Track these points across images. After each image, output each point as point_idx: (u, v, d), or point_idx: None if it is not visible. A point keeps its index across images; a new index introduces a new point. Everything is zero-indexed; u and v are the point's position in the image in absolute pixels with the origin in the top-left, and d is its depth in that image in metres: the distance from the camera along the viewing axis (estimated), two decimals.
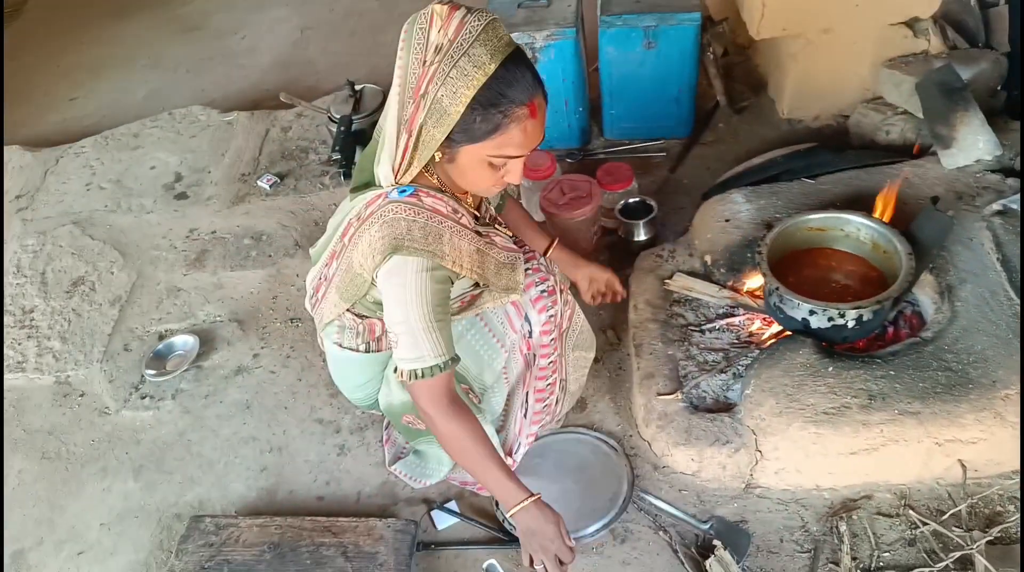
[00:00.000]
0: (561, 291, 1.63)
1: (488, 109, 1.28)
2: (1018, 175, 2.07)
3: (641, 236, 2.29)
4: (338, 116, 2.60)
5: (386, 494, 1.84)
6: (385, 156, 1.38)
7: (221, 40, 3.81)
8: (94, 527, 1.88)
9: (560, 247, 1.83)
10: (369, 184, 1.44)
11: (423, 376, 1.39)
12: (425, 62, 1.27)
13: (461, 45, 1.25)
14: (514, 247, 1.57)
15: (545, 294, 1.59)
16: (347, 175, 2.59)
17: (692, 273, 2.06)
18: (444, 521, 1.76)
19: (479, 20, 1.27)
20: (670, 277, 2.06)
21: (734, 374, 1.84)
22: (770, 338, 1.90)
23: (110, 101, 3.45)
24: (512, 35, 2.31)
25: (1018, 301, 1.74)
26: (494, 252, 1.50)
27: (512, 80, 1.28)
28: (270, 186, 2.71)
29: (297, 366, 2.16)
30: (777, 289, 1.77)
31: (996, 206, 1.94)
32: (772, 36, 2.37)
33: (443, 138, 1.31)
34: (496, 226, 1.57)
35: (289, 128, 2.98)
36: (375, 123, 2.54)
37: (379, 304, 1.48)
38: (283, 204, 2.66)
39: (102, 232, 2.67)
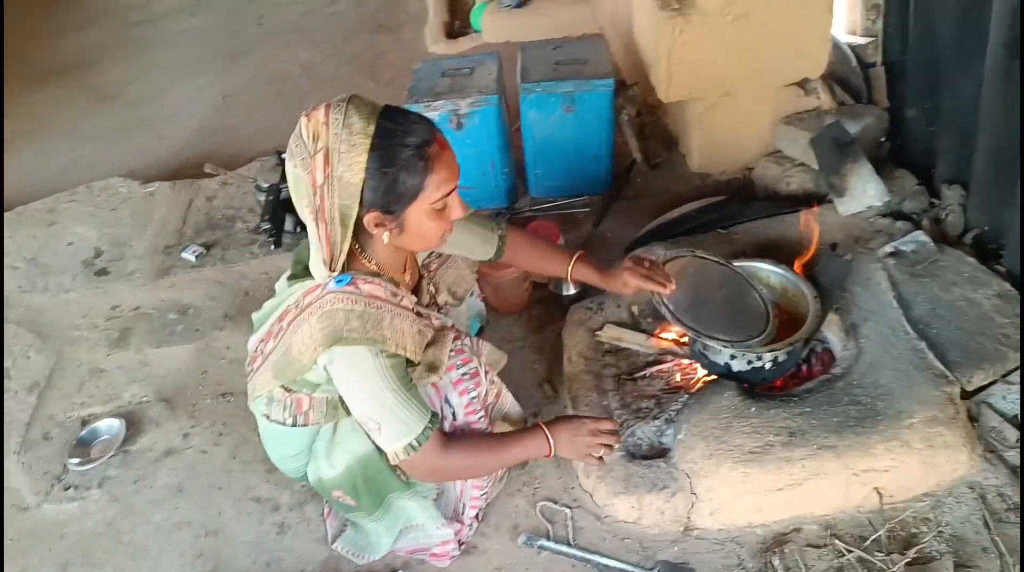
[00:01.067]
0: (486, 372, 1.67)
1: (407, 165, 1.36)
2: (906, 219, 2.26)
3: (570, 290, 2.37)
4: (266, 185, 2.61)
5: (330, 571, 1.81)
6: (314, 254, 1.43)
7: (139, 109, 3.78)
8: None
9: (582, 260, 1.87)
10: (307, 272, 1.48)
11: (419, 444, 1.45)
12: (311, 155, 1.35)
13: (336, 123, 1.34)
14: (447, 325, 1.62)
15: (467, 376, 1.60)
16: (277, 243, 2.60)
17: (621, 324, 2.15)
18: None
19: (340, 100, 1.37)
20: (600, 329, 2.14)
21: (666, 420, 1.92)
22: (697, 383, 2.00)
23: (23, 176, 3.36)
24: (437, 103, 2.46)
25: (915, 336, 1.89)
26: (429, 332, 1.54)
27: (404, 130, 1.38)
28: (196, 257, 2.68)
29: (230, 443, 2.12)
30: (700, 338, 1.87)
31: (888, 248, 2.10)
32: (679, 99, 2.54)
33: (357, 207, 1.37)
34: (434, 308, 1.64)
35: (214, 197, 2.97)
36: None
37: (310, 383, 1.53)
38: (210, 275, 2.63)
39: (17, 314, 2.58)
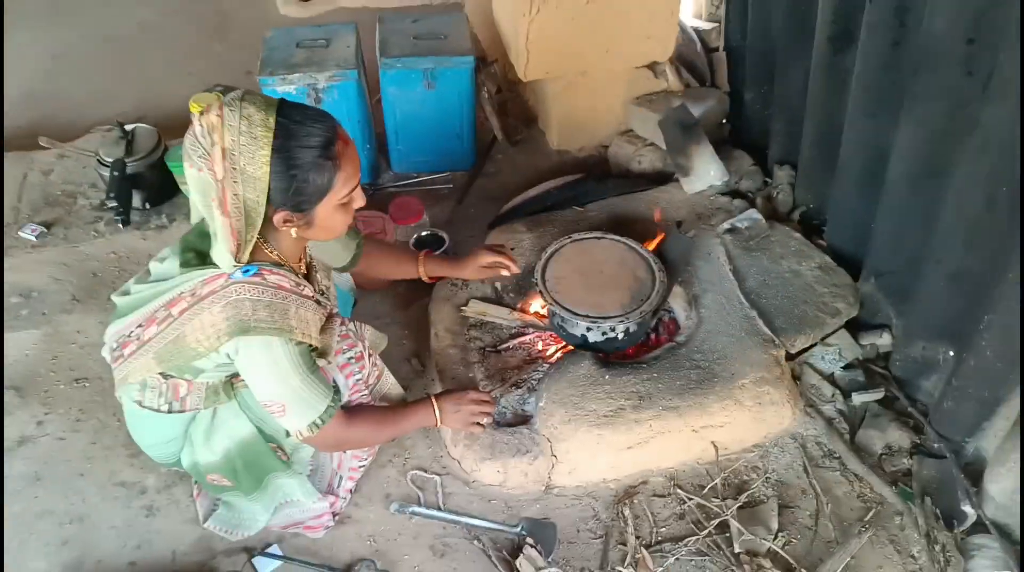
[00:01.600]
0: (369, 355, 1.74)
1: (315, 166, 1.39)
2: (743, 197, 2.48)
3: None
4: (110, 160, 2.47)
5: (203, 549, 1.82)
6: (220, 245, 1.42)
7: None
8: None
9: (429, 259, 2.04)
10: (201, 259, 1.49)
11: (323, 422, 1.53)
12: (208, 150, 1.34)
13: (232, 115, 1.33)
14: (334, 312, 1.66)
15: (352, 360, 1.68)
16: (125, 222, 2.48)
17: (485, 298, 2.24)
18: (267, 566, 1.78)
19: (234, 96, 1.36)
20: (466, 304, 2.22)
21: (528, 389, 2.05)
22: (556, 353, 2.13)
23: None
24: (293, 75, 2.41)
25: (748, 305, 2.10)
26: (332, 322, 1.60)
27: (307, 129, 1.38)
28: (36, 236, 2.51)
29: (90, 429, 2.05)
30: (558, 310, 2.00)
31: (726, 225, 2.31)
32: (537, 78, 2.63)
33: (264, 203, 1.38)
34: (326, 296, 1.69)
35: (50, 171, 2.77)
36: (152, 165, 2.51)
37: (193, 369, 1.53)
38: (53, 256, 2.47)
39: None
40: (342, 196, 1.46)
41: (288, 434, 1.60)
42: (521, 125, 2.89)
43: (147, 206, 2.57)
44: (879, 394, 2.06)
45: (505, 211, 2.52)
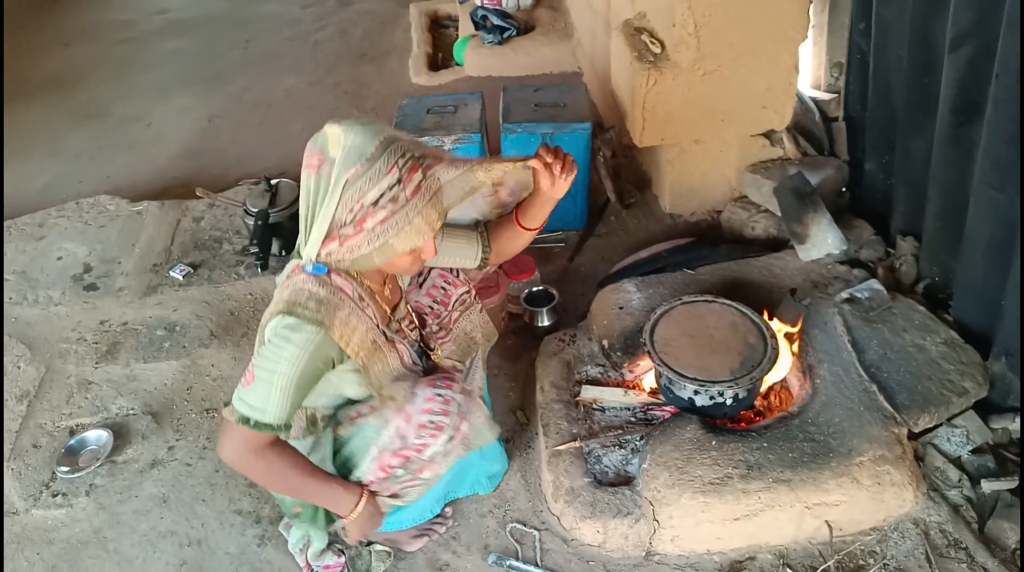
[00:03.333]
0: (451, 438, 1.63)
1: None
2: (863, 267, 2.41)
3: (545, 322, 2.49)
4: (255, 210, 2.70)
5: None
6: (312, 242, 1.45)
7: (125, 128, 3.84)
8: None
9: (518, 211, 1.81)
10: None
11: (252, 427, 1.44)
12: (377, 202, 1.38)
13: (417, 206, 1.41)
14: (416, 368, 1.69)
15: (430, 426, 1.60)
16: (264, 266, 2.68)
17: (595, 382, 2.21)
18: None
19: (431, 186, 1.43)
20: (577, 394, 2.17)
21: (632, 450, 2.04)
22: (662, 412, 2.12)
23: (7, 189, 3.38)
24: (422, 139, 2.56)
25: (867, 378, 2.02)
26: (392, 358, 1.60)
27: None
28: (183, 276, 2.76)
29: (214, 457, 2.19)
30: (665, 372, 1.99)
31: (844, 294, 2.24)
32: (652, 144, 2.68)
33: (382, 264, 1.46)
34: (406, 341, 1.68)
35: (201, 218, 3.05)
36: (292, 216, 2.71)
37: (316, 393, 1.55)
38: (197, 294, 2.71)
39: (7, 325, 2.63)
40: (413, 248, 1.48)
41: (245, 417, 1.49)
42: (634, 189, 2.94)
43: (283, 253, 2.77)
44: (1012, 483, 1.91)
45: (615, 270, 2.55)
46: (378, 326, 1.58)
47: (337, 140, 1.40)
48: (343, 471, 1.69)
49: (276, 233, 2.72)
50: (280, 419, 1.45)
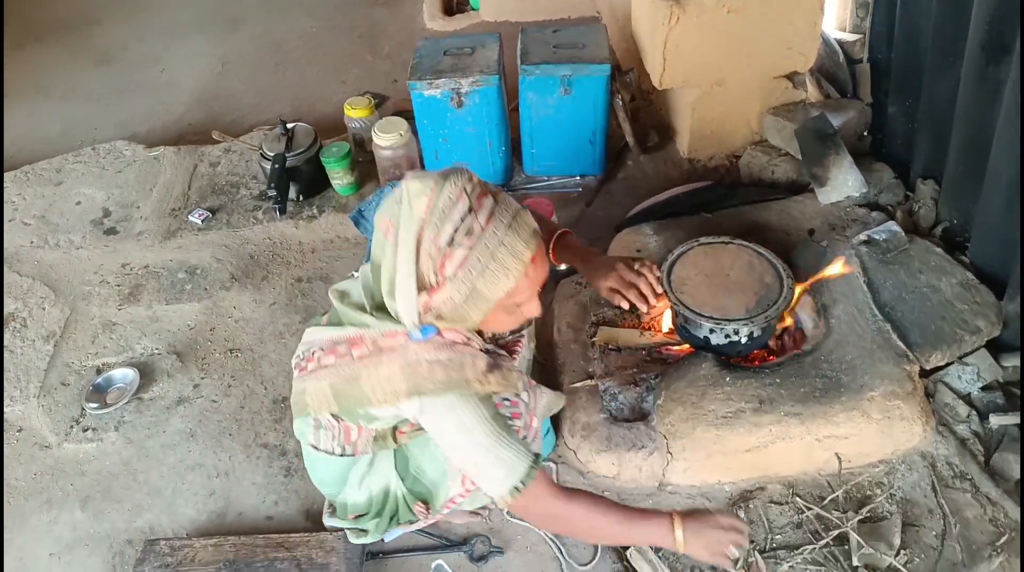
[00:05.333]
0: (525, 437, 1.61)
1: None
2: (882, 210, 2.40)
3: (561, 266, 2.50)
4: (271, 154, 2.70)
5: None
6: (403, 301, 1.35)
7: (139, 72, 3.83)
8: (43, 558, 1.92)
9: (562, 242, 1.80)
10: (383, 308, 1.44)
11: (524, 485, 1.40)
12: (452, 241, 1.28)
13: (496, 234, 1.29)
14: (513, 367, 1.59)
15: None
16: (282, 210, 2.70)
17: (611, 323, 2.22)
18: (391, 533, 1.89)
19: (507, 210, 1.32)
20: (593, 335, 2.19)
21: (647, 387, 2.07)
22: (677, 353, 2.14)
23: (23, 133, 3.42)
24: (439, 80, 2.56)
25: (881, 317, 2.04)
26: (505, 362, 1.53)
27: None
28: (202, 221, 2.78)
29: (239, 395, 2.25)
30: (682, 310, 2.01)
31: (862, 236, 2.24)
32: (672, 87, 2.66)
33: (481, 318, 1.36)
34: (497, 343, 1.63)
35: (218, 163, 3.06)
36: (308, 160, 2.72)
37: (369, 416, 1.50)
38: (216, 238, 2.74)
39: (30, 268, 2.68)
40: (504, 304, 1.37)
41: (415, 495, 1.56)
42: (653, 133, 2.92)
43: (301, 198, 2.78)
44: (1019, 418, 1.94)
45: (633, 214, 2.56)
46: (484, 350, 1.49)
47: (400, 198, 1.32)
48: (417, 486, 1.68)
49: (293, 177, 2.73)
50: (527, 456, 1.42)
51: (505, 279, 1.31)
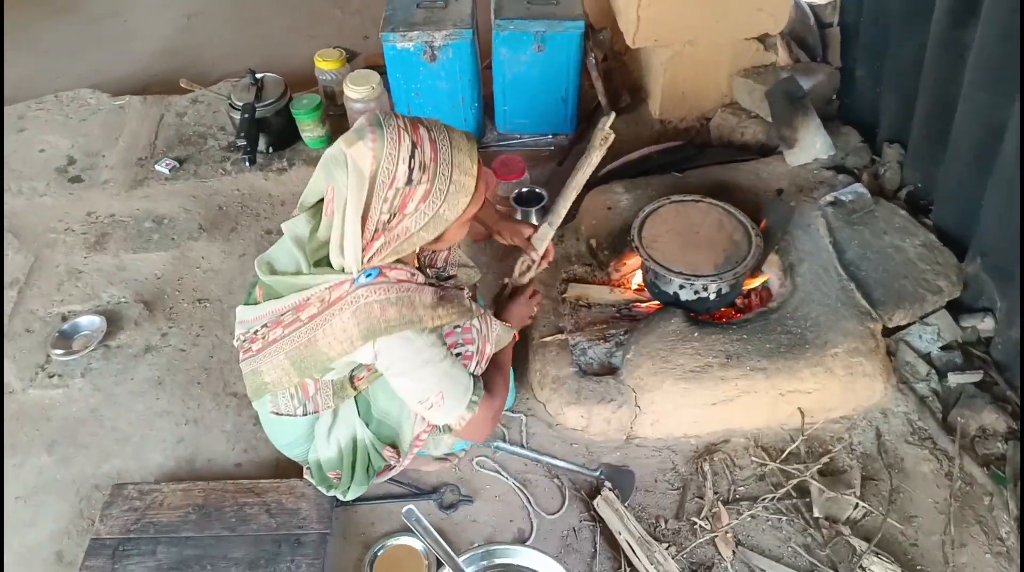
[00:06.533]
0: (478, 363, 1.66)
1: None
2: (849, 173, 2.45)
3: (533, 221, 2.51)
4: (240, 103, 2.65)
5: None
6: (349, 251, 1.39)
7: (98, 24, 3.71)
8: (9, 501, 1.90)
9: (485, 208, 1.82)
10: (321, 262, 1.48)
11: (479, 399, 1.52)
12: (410, 179, 1.33)
13: (445, 159, 1.35)
14: (460, 286, 1.66)
15: (459, 357, 1.62)
16: (251, 161, 2.66)
17: (581, 280, 2.26)
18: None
19: (440, 128, 1.38)
20: (564, 291, 2.22)
21: (616, 343, 2.10)
22: (646, 310, 2.18)
23: None
24: (412, 33, 2.52)
25: (845, 277, 2.09)
26: (451, 291, 1.57)
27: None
28: (169, 170, 2.73)
29: (207, 344, 2.24)
30: (652, 266, 2.04)
31: (829, 198, 2.29)
32: (645, 45, 2.66)
33: (435, 237, 1.42)
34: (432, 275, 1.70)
35: (184, 114, 2.99)
36: (278, 111, 2.68)
37: (322, 369, 1.50)
38: (184, 188, 2.69)
39: None
40: (470, 214, 1.44)
41: (446, 429, 1.58)
42: (625, 93, 2.92)
43: (270, 150, 2.74)
44: (977, 376, 2.01)
45: (605, 172, 2.57)
46: (429, 283, 1.52)
47: (331, 159, 1.37)
48: (383, 429, 1.69)
49: (263, 128, 2.69)
50: (470, 375, 1.53)
51: (464, 197, 1.38)
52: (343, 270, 1.43)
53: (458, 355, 1.63)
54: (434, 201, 1.35)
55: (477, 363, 1.64)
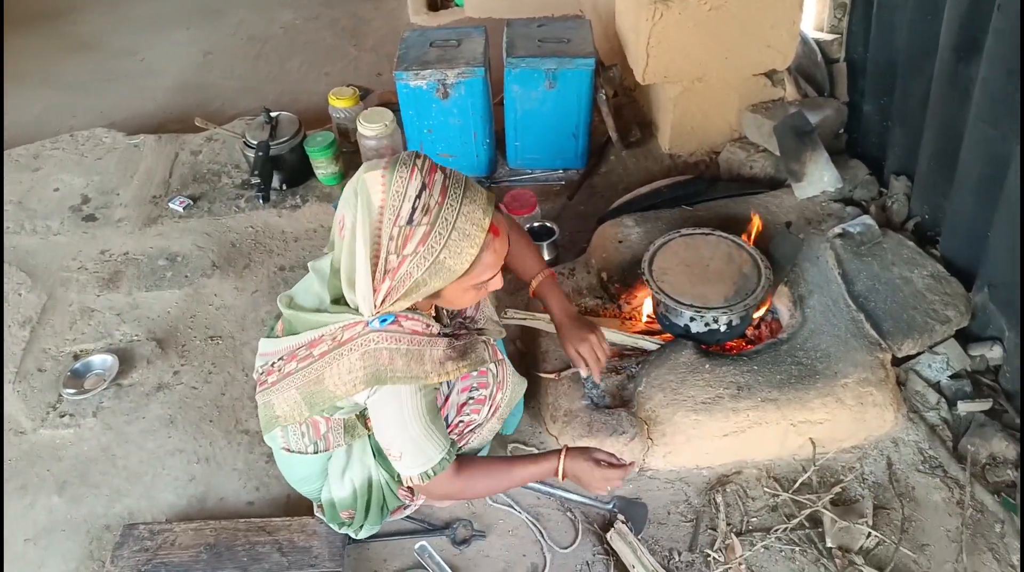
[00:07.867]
0: (493, 411, 1.69)
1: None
2: (856, 206, 2.46)
3: (545, 256, 2.53)
4: (255, 142, 2.70)
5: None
6: (360, 290, 1.38)
7: (118, 61, 3.80)
8: (18, 543, 1.89)
9: (547, 282, 1.83)
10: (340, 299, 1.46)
11: (434, 473, 1.49)
12: (412, 219, 1.32)
13: (452, 206, 1.32)
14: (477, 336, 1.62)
15: (472, 401, 1.66)
16: (265, 198, 2.70)
17: (592, 313, 2.26)
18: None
19: (457, 181, 1.36)
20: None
21: (628, 376, 2.10)
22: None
23: None
24: (425, 71, 2.56)
25: (855, 308, 2.09)
26: (468, 337, 1.55)
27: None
28: (183, 208, 2.77)
29: (220, 381, 2.24)
30: (663, 299, 2.05)
31: (837, 230, 2.29)
32: (654, 82, 2.70)
33: (442, 287, 1.39)
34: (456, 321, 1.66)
35: (199, 152, 3.04)
36: (292, 149, 2.72)
37: (333, 408, 1.54)
38: (197, 226, 2.72)
39: (6, 254, 2.64)
40: (473, 282, 1.42)
41: (398, 478, 1.61)
42: (635, 128, 2.96)
43: (284, 187, 2.78)
44: (986, 405, 2.00)
45: (615, 207, 2.59)
46: (444, 334, 1.50)
47: (351, 184, 1.38)
48: (393, 469, 1.66)
49: (277, 165, 2.73)
50: (444, 448, 1.50)
51: (470, 248, 1.34)
52: (357, 310, 1.42)
53: (471, 399, 1.63)
54: (433, 245, 1.32)
55: (489, 408, 1.63)
